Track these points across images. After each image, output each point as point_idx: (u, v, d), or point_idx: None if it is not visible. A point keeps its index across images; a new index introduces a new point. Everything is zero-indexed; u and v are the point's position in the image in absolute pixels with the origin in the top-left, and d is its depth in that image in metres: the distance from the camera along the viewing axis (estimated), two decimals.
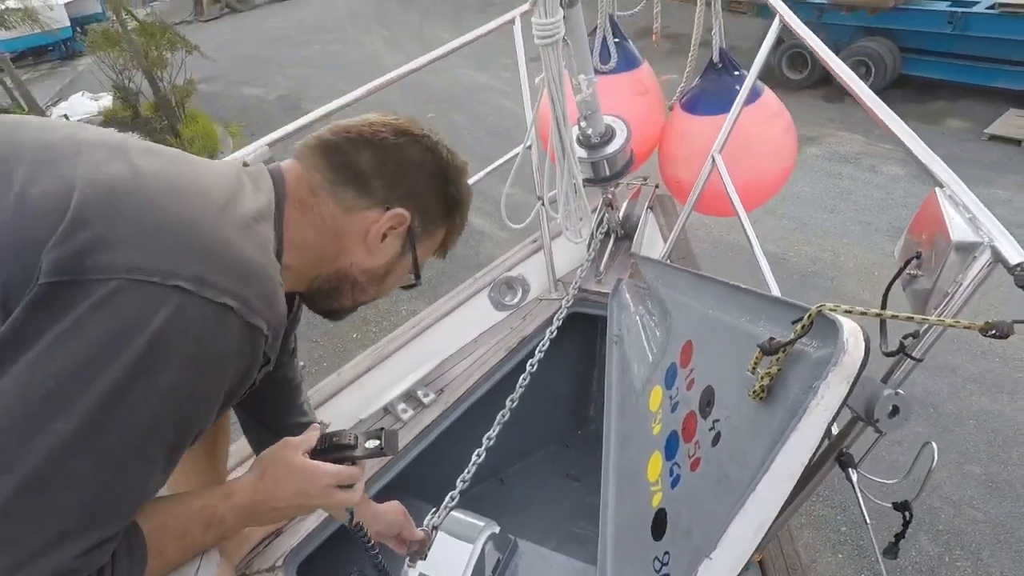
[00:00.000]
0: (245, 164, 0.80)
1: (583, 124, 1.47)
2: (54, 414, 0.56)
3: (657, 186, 1.98)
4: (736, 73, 1.84)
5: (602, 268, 1.82)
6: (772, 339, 0.75)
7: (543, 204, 1.51)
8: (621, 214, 1.89)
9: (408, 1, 13.89)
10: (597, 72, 1.88)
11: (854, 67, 6.38)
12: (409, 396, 1.58)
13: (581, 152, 1.55)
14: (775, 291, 1.26)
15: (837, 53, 5.88)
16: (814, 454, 0.69)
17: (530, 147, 1.52)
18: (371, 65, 9.61)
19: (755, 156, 1.81)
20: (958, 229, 0.80)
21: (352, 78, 1.54)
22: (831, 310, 0.69)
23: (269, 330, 0.68)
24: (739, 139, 1.80)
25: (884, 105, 1.08)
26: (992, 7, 5.71)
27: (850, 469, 0.91)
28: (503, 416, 1.37)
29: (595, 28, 1.85)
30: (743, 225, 1.38)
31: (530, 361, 1.49)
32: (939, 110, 6.29)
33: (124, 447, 0.60)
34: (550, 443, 1.96)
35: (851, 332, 0.65)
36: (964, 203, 0.84)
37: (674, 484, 0.99)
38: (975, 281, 0.79)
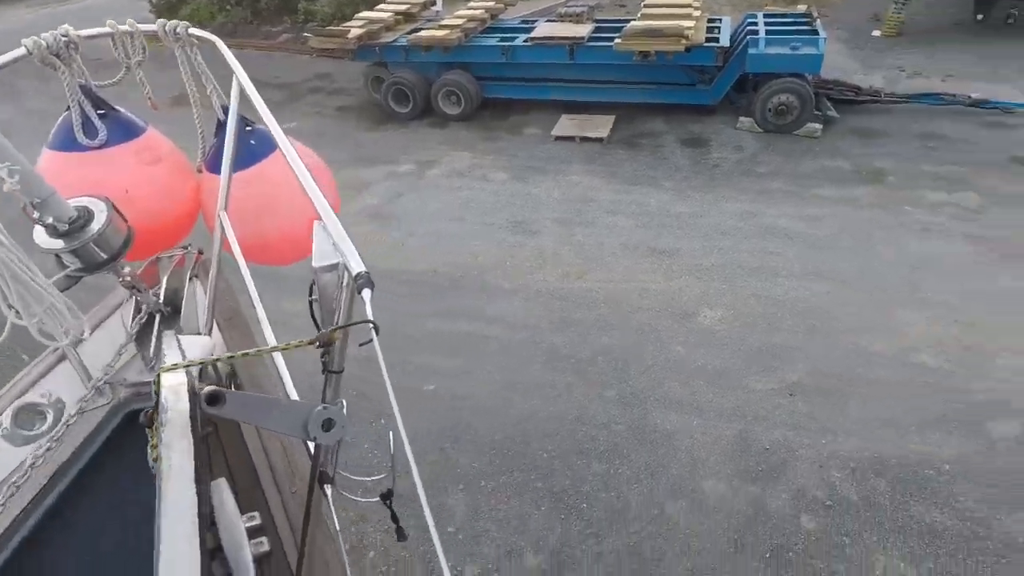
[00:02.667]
0: None
1: (36, 215, 1.30)
2: None
3: (201, 251, 1.90)
4: (248, 128, 1.87)
5: (152, 354, 1.65)
6: (146, 411, 0.75)
7: (14, 312, 1.29)
8: (163, 290, 1.75)
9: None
10: (87, 149, 1.71)
11: (447, 96, 7.37)
12: None
13: (57, 243, 1.37)
14: (270, 340, 1.30)
15: (431, 86, 6.84)
16: (198, 518, 0.70)
17: None
18: None
19: (285, 205, 1.86)
20: (320, 255, 0.93)
21: None
22: (166, 371, 0.71)
23: None
24: (262, 192, 1.84)
25: (290, 147, 1.19)
26: (527, 41, 7.25)
27: (326, 486, 0.99)
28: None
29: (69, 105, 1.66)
30: (243, 276, 1.40)
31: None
32: (518, 122, 7.69)
33: None
34: None
35: (170, 390, 0.68)
36: (330, 232, 0.97)
37: None
38: (347, 295, 0.92)
